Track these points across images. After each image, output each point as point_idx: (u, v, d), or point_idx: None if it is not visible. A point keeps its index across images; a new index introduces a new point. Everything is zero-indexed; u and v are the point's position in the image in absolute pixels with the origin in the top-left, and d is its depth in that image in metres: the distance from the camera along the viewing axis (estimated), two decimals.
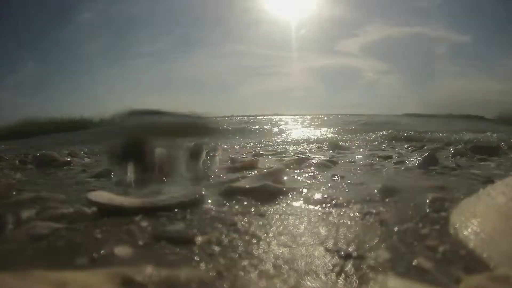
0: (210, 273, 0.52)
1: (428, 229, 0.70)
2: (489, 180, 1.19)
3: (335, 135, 5.61)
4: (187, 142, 1.78)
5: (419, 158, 1.76)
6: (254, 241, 0.66)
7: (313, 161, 1.80)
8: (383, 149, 2.89)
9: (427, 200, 0.91)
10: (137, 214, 0.83)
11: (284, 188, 1.09)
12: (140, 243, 0.66)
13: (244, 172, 1.54)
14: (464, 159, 1.91)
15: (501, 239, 0.58)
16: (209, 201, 0.98)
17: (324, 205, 0.91)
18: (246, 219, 0.80)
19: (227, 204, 0.95)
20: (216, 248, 0.63)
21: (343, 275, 0.51)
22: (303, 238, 0.67)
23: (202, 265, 0.55)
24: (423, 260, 0.55)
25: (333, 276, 0.51)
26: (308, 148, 3.02)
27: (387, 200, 0.96)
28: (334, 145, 2.92)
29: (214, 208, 0.91)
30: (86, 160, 2.40)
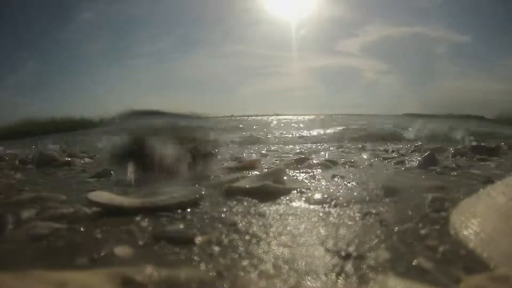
0: (210, 273, 0.52)
1: (428, 229, 0.70)
2: (489, 180, 1.19)
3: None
4: (187, 142, 1.78)
5: (419, 158, 1.76)
6: (254, 241, 0.66)
7: (313, 161, 1.81)
8: (384, 149, 2.89)
9: (427, 200, 0.91)
10: (137, 214, 0.83)
11: (284, 188, 1.09)
12: (140, 243, 0.66)
13: (244, 172, 1.54)
14: (464, 159, 1.91)
15: (501, 239, 0.58)
16: (209, 201, 0.98)
17: (324, 205, 0.91)
18: (246, 219, 0.80)
19: (227, 204, 0.95)
20: (216, 248, 0.63)
21: (343, 275, 0.51)
22: (303, 238, 0.67)
23: (202, 265, 0.55)
24: (423, 260, 0.55)
25: (333, 276, 0.51)
26: (309, 149, 3.02)
27: (387, 200, 0.96)
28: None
29: (214, 208, 0.91)
30: (86, 160, 2.40)
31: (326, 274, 0.51)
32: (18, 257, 0.61)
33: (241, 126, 8.87)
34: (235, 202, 0.96)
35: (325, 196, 0.99)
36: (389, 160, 1.96)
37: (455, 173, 1.41)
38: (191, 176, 1.42)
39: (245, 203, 0.95)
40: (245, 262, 0.56)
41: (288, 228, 0.74)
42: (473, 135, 3.79)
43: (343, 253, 0.58)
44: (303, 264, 0.55)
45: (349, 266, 0.53)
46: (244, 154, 2.59)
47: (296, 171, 1.53)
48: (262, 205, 0.93)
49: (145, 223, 0.78)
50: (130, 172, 1.41)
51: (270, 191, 1.05)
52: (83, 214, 0.85)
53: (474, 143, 2.68)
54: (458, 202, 0.84)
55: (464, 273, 0.50)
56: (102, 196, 0.91)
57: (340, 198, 0.97)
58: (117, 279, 0.47)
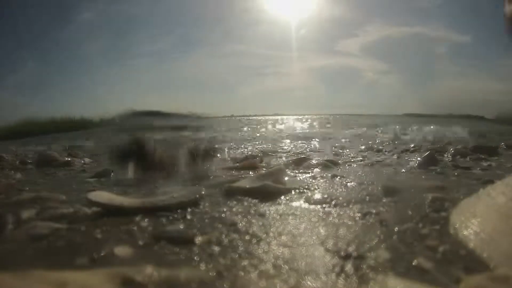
0: (210, 273, 0.52)
1: (428, 229, 0.70)
2: (489, 180, 1.19)
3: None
4: (187, 142, 1.78)
5: (419, 158, 1.76)
6: (254, 241, 0.66)
7: (313, 161, 1.80)
8: (384, 149, 2.89)
9: (427, 200, 0.91)
10: (137, 214, 0.83)
11: (284, 188, 1.09)
12: (140, 243, 0.66)
13: (244, 172, 1.54)
14: (464, 159, 1.91)
15: (501, 239, 0.58)
16: (209, 201, 0.98)
17: (324, 205, 0.91)
18: (246, 219, 0.80)
19: (227, 204, 0.95)
20: (216, 248, 0.63)
21: (343, 275, 0.51)
22: (303, 238, 0.67)
23: (202, 265, 0.55)
24: (423, 260, 0.55)
25: (333, 276, 0.51)
26: (309, 149, 3.02)
27: (387, 200, 0.96)
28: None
29: (214, 208, 0.91)
30: (86, 160, 2.40)
31: (326, 274, 0.51)
32: (18, 257, 0.61)
33: (241, 126, 8.88)
34: (235, 202, 0.96)
35: (325, 196, 0.99)
36: (389, 160, 1.96)
37: (455, 173, 1.41)
38: (191, 176, 1.42)
39: (245, 203, 0.95)
40: (245, 262, 0.56)
41: (288, 228, 0.74)
42: (473, 135, 3.78)
43: (343, 253, 0.58)
44: (303, 264, 0.55)
45: (349, 266, 0.53)
46: (244, 154, 2.59)
47: (296, 171, 1.53)
48: (262, 205, 0.93)
49: (145, 223, 0.78)
50: (130, 172, 1.41)
51: (270, 191, 1.05)
52: (83, 214, 0.85)
53: (474, 143, 2.68)
54: (458, 202, 0.84)
55: (464, 273, 0.50)
56: (102, 196, 0.92)
57: (340, 198, 0.97)
58: (117, 279, 0.47)
